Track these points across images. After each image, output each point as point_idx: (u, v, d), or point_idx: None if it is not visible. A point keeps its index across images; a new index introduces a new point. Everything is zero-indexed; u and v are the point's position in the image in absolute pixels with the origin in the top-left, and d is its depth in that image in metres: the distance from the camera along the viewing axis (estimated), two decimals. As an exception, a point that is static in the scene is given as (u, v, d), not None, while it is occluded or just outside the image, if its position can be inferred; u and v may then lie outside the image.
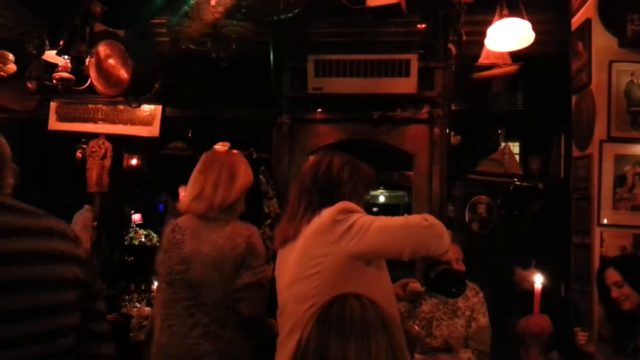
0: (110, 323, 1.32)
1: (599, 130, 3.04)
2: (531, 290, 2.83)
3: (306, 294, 1.63)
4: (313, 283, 1.64)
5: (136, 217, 5.80)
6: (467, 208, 3.77)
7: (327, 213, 1.68)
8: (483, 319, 2.62)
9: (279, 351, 1.78)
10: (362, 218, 1.66)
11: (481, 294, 2.70)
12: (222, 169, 2.19)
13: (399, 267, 1.87)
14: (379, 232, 1.62)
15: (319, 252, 1.65)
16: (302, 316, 1.59)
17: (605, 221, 2.99)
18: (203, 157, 2.29)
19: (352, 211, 1.68)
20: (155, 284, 3.74)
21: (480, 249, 3.58)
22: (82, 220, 4.67)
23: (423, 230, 1.65)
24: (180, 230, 2.17)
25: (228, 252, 2.08)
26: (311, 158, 1.93)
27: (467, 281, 2.68)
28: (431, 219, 1.69)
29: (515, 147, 4.44)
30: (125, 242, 5.18)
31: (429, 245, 1.67)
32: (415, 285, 2.58)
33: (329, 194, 1.75)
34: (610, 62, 3.04)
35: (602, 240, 2.98)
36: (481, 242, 3.72)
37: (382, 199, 5.68)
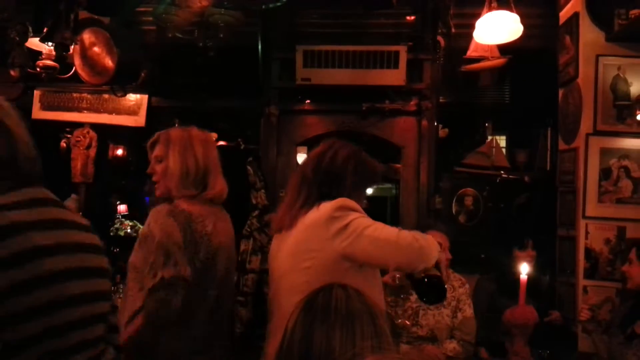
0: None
1: (585, 124, 3.07)
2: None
3: (297, 286, 1.62)
4: (304, 277, 1.63)
5: (122, 208, 5.74)
6: (454, 200, 3.78)
7: (325, 208, 1.67)
8: (469, 310, 2.64)
9: (268, 340, 1.78)
10: (358, 219, 1.65)
11: (467, 286, 2.72)
12: None
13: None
14: (369, 242, 1.63)
15: (313, 245, 1.65)
16: (290, 307, 1.59)
17: (590, 214, 3.03)
18: None
19: (350, 209, 1.67)
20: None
21: (467, 241, 3.59)
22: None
23: (412, 251, 1.67)
24: None
25: None
26: (317, 146, 1.90)
27: (454, 272, 2.71)
28: (422, 240, 1.70)
29: (502, 140, 4.44)
30: (111, 233, 5.12)
31: (415, 267, 1.72)
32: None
33: (330, 187, 1.73)
34: (597, 56, 3.07)
35: (587, 233, 3.02)
36: (468, 234, 3.74)
37: (369, 191, 5.66)
